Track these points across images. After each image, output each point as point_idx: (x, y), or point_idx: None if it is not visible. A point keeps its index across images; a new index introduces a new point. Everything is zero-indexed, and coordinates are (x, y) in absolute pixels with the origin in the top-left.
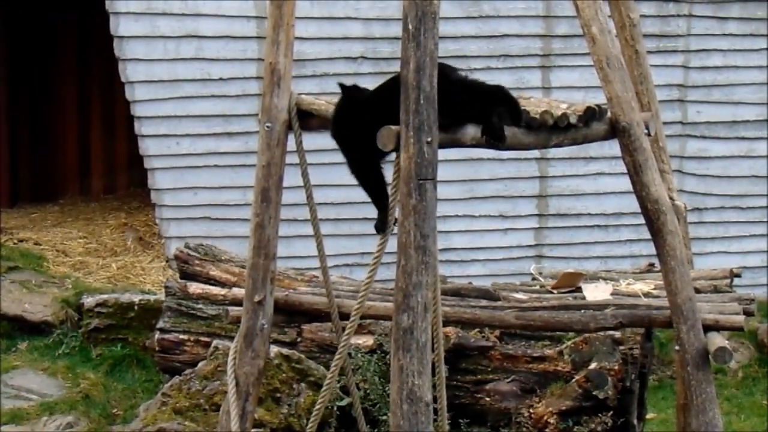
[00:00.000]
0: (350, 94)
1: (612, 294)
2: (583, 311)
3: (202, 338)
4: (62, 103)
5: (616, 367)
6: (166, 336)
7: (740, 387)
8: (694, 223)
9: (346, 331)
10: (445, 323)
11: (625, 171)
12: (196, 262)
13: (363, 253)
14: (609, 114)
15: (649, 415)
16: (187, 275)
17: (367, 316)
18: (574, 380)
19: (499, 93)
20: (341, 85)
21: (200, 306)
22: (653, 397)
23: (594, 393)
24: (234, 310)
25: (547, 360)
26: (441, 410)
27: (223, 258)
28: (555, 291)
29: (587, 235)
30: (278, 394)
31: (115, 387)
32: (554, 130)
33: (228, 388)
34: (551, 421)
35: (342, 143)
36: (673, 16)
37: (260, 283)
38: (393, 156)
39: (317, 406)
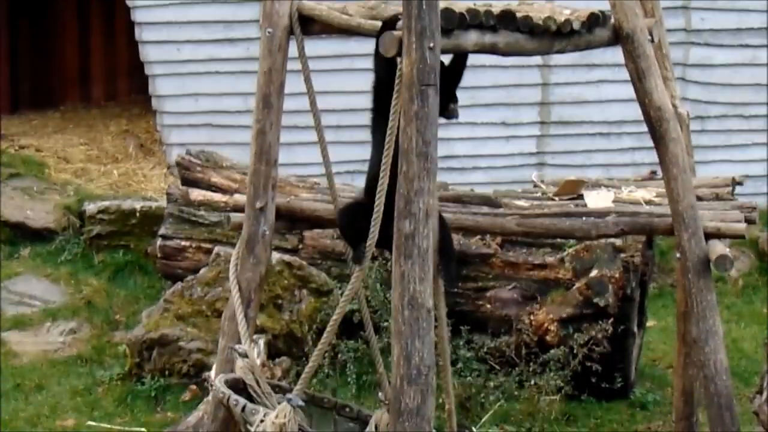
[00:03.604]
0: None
1: (614, 201)
2: (584, 218)
3: (204, 245)
4: (62, 9)
5: (617, 275)
6: (168, 243)
7: (740, 295)
8: (697, 131)
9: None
10: None
11: (628, 78)
12: (198, 168)
13: (365, 160)
14: (612, 20)
15: (649, 323)
16: (189, 182)
17: None
18: (574, 287)
19: None
20: None
21: (202, 213)
22: (653, 304)
23: (594, 300)
24: (235, 217)
25: (548, 267)
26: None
27: (224, 165)
28: (557, 198)
29: (589, 143)
30: (280, 301)
31: (118, 293)
32: (557, 37)
33: (230, 294)
34: (552, 328)
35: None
36: None
37: (262, 190)
38: None
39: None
